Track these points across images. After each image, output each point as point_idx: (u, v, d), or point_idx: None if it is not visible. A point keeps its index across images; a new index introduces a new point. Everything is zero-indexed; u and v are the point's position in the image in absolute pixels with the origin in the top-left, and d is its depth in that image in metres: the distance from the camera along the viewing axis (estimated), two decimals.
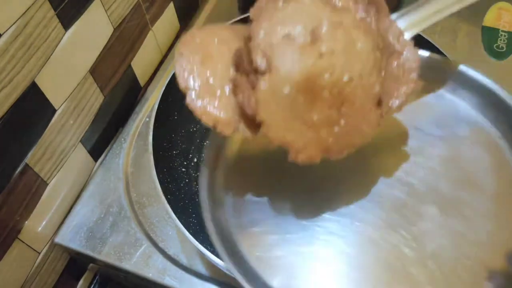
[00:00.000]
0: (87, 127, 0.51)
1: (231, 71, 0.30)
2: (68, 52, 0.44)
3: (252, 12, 0.30)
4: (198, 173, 0.51)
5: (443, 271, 0.33)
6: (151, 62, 0.62)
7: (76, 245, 0.48)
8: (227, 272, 0.38)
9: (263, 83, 0.28)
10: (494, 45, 0.62)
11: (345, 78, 0.28)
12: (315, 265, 0.35)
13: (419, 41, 0.51)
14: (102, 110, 0.53)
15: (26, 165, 0.43)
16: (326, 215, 0.36)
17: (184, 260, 0.47)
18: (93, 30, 0.48)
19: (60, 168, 0.48)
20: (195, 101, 0.30)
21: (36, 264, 0.47)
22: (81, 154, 0.52)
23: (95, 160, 0.55)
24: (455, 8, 0.34)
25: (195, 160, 0.52)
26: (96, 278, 0.57)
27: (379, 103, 0.30)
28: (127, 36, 0.54)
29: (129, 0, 0.52)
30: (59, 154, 0.47)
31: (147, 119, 0.57)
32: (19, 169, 0.42)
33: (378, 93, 0.30)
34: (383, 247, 0.35)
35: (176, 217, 0.39)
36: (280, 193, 0.39)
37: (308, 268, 0.35)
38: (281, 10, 0.29)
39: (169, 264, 0.46)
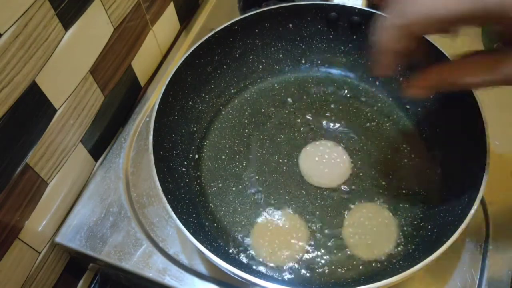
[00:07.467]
0: (88, 127, 0.51)
1: None
2: (68, 52, 0.45)
3: None
4: (198, 173, 0.51)
5: None
6: (151, 62, 0.62)
7: (76, 245, 0.48)
8: (227, 272, 0.38)
9: None
10: (494, 45, 0.61)
11: None
12: None
13: None
14: (102, 110, 0.53)
15: (27, 165, 0.43)
16: None
17: (184, 260, 0.47)
18: (93, 30, 0.48)
19: (61, 168, 0.48)
20: None
21: (36, 264, 0.47)
22: (81, 154, 0.52)
23: (95, 160, 0.55)
24: None
25: (195, 160, 0.52)
26: (96, 278, 0.57)
27: None
28: (127, 36, 0.54)
29: (129, 0, 0.52)
30: (60, 154, 0.48)
31: (147, 119, 0.57)
32: (19, 169, 0.42)
33: None
34: None
35: (176, 217, 0.39)
36: None
37: None
38: None
39: (169, 264, 0.46)
